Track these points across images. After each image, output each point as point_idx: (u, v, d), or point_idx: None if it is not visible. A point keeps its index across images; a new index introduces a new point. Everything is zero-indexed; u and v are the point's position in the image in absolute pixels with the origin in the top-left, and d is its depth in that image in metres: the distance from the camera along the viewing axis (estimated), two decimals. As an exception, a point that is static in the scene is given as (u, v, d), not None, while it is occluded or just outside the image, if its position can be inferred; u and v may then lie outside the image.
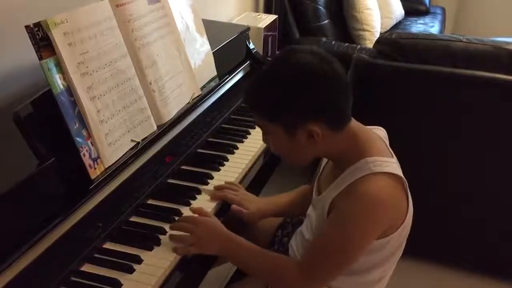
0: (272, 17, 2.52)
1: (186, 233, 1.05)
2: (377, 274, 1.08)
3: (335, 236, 0.97)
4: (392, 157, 1.03)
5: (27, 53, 1.01)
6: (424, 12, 3.58)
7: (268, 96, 0.98)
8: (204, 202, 1.18)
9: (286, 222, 1.32)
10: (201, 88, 1.43)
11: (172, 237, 1.05)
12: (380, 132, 1.10)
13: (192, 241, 1.03)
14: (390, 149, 1.06)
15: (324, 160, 1.15)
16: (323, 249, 0.99)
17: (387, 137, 1.11)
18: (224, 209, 1.20)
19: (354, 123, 1.03)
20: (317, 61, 0.96)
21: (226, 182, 1.25)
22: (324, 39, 2.65)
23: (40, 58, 0.95)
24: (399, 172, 0.99)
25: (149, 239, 1.05)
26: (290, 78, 0.96)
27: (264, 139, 1.06)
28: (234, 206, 1.20)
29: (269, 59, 1.95)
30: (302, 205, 1.20)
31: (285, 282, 1.02)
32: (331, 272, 1.00)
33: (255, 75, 1.04)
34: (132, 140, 1.14)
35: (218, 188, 1.22)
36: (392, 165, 0.99)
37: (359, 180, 0.96)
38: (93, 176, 1.02)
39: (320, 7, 2.77)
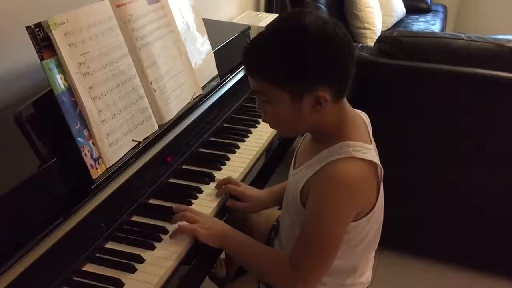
0: (273, 16, 2.53)
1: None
2: (346, 262, 1.06)
3: (312, 223, 0.97)
4: (371, 143, 1.02)
5: (28, 53, 1.02)
6: (426, 10, 3.57)
7: (278, 59, 0.91)
8: (205, 202, 1.19)
9: (279, 222, 1.32)
10: (202, 88, 1.43)
11: (174, 220, 1.07)
12: (363, 116, 1.09)
13: (197, 224, 1.05)
14: (370, 135, 1.05)
15: (302, 137, 1.14)
16: (305, 238, 0.98)
17: (369, 123, 1.09)
18: (224, 210, 1.20)
19: (346, 102, 1.01)
20: (330, 26, 0.92)
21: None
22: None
23: (41, 58, 0.95)
24: (376, 160, 0.99)
25: (151, 239, 1.05)
26: (305, 41, 0.90)
27: (259, 106, 1.00)
28: (229, 202, 1.20)
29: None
30: None
31: (278, 277, 1.03)
32: (315, 263, 0.98)
33: (258, 36, 0.96)
34: (133, 140, 1.14)
35: (220, 183, 1.22)
36: (371, 152, 0.98)
37: (335, 161, 0.95)
38: (94, 176, 1.02)
39: (321, 6, 2.77)
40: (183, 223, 1.06)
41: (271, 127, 1.05)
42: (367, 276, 1.14)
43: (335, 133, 0.99)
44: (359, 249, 1.06)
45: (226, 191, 1.21)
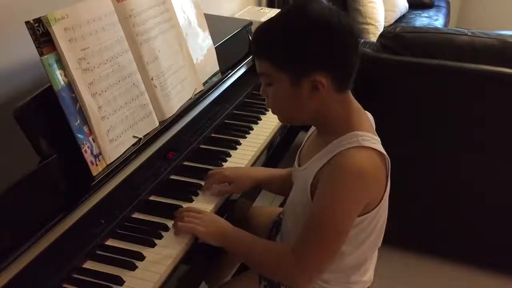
0: (275, 11, 2.51)
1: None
2: (352, 258, 1.06)
3: (321, 212, 0.96)
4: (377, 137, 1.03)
5: (27, 49, 1.01)
6: (429, 6, 3.55)
7: (280, 42, 0.95)
8: (206, 198, 1.18)
9: (280, 219, 1.32)
10: (204, 83, 1.42)
11: (176, 220, 1.07)
12: (368, 114, 1.09)
13: (196, 223, 1.04)
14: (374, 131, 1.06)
15: (307, 135, 1.14)
16: (313, 227, 0.97)
17: (373, 121, 1.10)
18: (227, 205, 1.19)
19: (351, 95, 1.02)
20: (334, 14, 0.95)
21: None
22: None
23: (41, 54, 0.95)
24: (384, 151, 0.99)
25: (152, 236, 1.05)
26: (306, 26, 0.94)
27: (263, 91, 1.03)
28: (215, 191, 1.19)
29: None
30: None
31: (281, 270, 1.01)
32: (321, 254, 0.97)
33: (269, 20, 1.01)
34: (134, 136, 1.13)
35: (206, 185, 1.21)
36: (378, 143, 0.99)
37: (345, 151, 0.95)
38: (94, 173, 1.02)
39: (323, 0, 2.75)
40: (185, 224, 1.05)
41: (273, 112, 1.06)
42: (369, 274, 1.13)
43: (342, 124, 0.99)
44: (365, 245, 1.05)
45: (212, 183, 1.20)
